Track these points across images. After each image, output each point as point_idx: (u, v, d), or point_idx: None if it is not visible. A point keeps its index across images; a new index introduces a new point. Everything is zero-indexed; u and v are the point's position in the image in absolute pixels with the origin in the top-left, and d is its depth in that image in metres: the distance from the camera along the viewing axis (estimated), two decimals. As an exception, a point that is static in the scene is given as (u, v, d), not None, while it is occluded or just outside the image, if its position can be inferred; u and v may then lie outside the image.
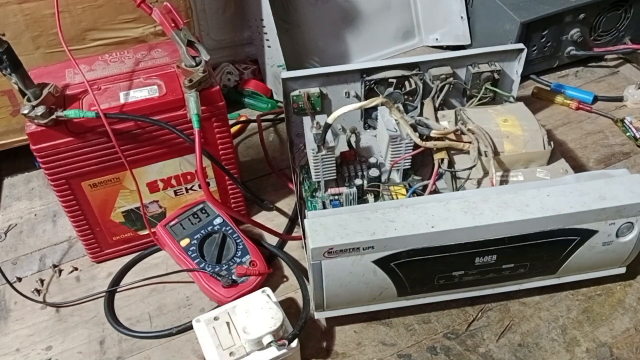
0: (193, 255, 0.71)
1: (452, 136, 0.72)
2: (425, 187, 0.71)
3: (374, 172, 0.72)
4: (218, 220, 0.74)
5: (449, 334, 0.67)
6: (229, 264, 0.70)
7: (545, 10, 0.96)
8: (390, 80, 0.78)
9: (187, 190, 0.75)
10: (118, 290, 0.73)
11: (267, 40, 0.98)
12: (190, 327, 0.65)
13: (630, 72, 1.07)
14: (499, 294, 0.68)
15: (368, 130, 0.83)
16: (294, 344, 0.59)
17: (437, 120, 0.77)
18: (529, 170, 0.72)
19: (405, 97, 0.81)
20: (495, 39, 1.01)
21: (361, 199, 0.72)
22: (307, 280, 0.67)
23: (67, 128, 0.62)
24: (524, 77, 1.01)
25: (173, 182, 0.73)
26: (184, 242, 0.72)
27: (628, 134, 0.93)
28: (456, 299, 0.67)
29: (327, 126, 0.67)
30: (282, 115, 0.86)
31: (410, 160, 0.73)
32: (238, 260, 0.71)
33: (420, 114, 0.80)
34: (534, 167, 0.72)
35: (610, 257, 0.65)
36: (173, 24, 0.63)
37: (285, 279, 0.74)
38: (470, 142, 0.72)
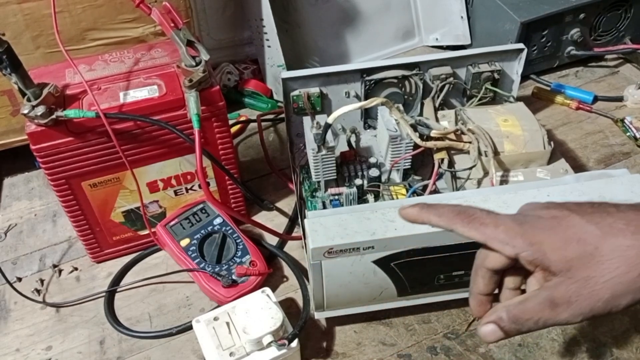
0: (193, 255, 0.71)
1: (452, 136, 0.72)
2: (425, 187, 0.71)
3: (374, 172, 0.72)
4: (218, 220, 0.74)
5: (449, 334, 0.67)
6: (229, 264, 0.70)
7: (545, 10, 0.96)
8: (390, 80, 0.78)
9: (187, 190, 0.75)
10: (118, 290, 0.73)
11: (267, 40, 0.98)
12: (190, 327, 0.65)
13: (630, 72, 1.07)
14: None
15: (368, 130, 0.83)
16: (294, 344, 0.59)
17: (437, 120, 0.77)
18: (529, 170, 0.72)
19: (406, 97, 0.81)
20: (495, 39, 1.01)
21: (361, 199, 0.72)
22: (307, 280, 0.67)
23: (67, 128, 0.62)
24: (524, 77, 1.01)
25: (173, 182, 0.73)
26: (184, 242, 0.72)
27: (628, 134, 0.93)
28: (456, 299, 0.67)
29: (327, 126, 0.67)
30: (282, 115, 0.86)
31: (410, 160, 0.73)
32: (238, 260, 0.71)
33: (420, 114, 0.80)
34: (534, 167, 0.72)
35: (610, 257, 0.65)
36: (172, 24, 0.63)
37: (285, 279, 0.74)
38: (470, 142, 0.72)
